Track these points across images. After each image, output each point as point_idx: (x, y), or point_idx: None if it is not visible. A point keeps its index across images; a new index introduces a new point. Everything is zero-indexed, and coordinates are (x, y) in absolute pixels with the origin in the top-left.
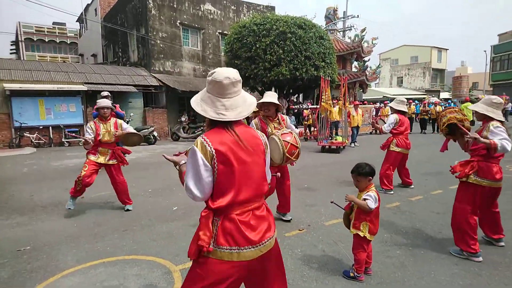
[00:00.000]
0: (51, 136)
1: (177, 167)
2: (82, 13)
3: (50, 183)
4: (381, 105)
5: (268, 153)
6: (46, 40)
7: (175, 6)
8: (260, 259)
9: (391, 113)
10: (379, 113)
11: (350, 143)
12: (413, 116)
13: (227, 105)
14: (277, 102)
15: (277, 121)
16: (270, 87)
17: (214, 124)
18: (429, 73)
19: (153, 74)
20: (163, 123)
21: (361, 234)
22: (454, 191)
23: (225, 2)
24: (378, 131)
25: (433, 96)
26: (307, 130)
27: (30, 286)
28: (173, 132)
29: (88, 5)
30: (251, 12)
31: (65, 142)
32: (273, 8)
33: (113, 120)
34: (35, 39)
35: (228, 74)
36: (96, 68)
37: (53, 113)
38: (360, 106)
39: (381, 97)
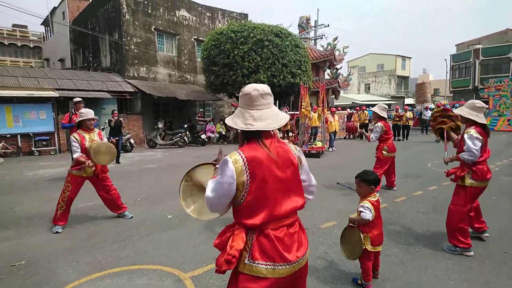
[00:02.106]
0: (20, 145)
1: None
2: (48, 16)
3: (29, 194)
4: (352, 111)
5: (303, 165)
6: (6, 43)
7: (149, 11)
8: (293, 277)
9: (374, 119)
10: (351, 118)
11: (328, 148)
12: (367, 122)
13: (255, 116)
14: None
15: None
16: None
17: (245, 137)
18: (394, 80)
19: (128, 80)
20: (138, 130)
21: (363, 246)
22: (433, 192)
23: (200, 8)
24: (363, 137)
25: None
26: (285, 135)
27: None
28: (149, 139)
29: (55, 8)
30: (226, 19)
31: (35, 151)
32: (246, 15)
33: (97, 130)
34: None
35: (257, 86)
36: (67, 74)
37: (22, 121)
38: (336, 112)
39: (350, 103)
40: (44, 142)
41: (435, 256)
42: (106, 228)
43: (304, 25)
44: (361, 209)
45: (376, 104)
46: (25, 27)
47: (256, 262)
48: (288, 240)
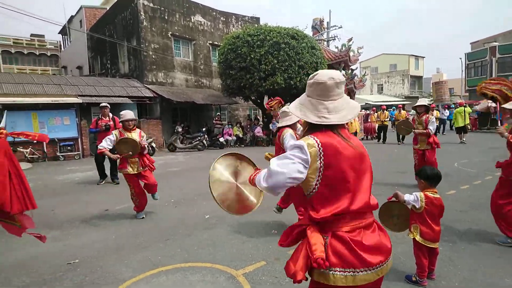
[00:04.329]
0: (45, 150)
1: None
2: (65, 24)
3: (65, 197)
4: (369, 112)
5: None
6: (25, 53)
7: (166, 17)
8: (375, 284)
9: (420, 113)
10: (368, 119)
11: None
12: (387, 123)
13: (330, 108)
14: None
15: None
16: (264, 96)
17: (316, 129)
18: (407, 80)
19: (146, 85)
20: (158, 134)
21: (411, 236)
22: (466, 191)
23: (214, 13)
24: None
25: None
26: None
27: None
28: (169, 143)
29: (72, 17)
30: (239, 23)
31: (60, 156)
32: (258, 19)
33: (137, 130)
34: (13, 52)
35: (332, 74)
36: (88, 80)
37: (47, 127)
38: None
39: (364, 104)
40: (69, 147)
41: (484, 253)
42: (147, 228)
43: (317, 27)
44: (412, 193)
45: (405, 104)
46: (43, 36)
47: (333, 269)
48: (367, 242)
